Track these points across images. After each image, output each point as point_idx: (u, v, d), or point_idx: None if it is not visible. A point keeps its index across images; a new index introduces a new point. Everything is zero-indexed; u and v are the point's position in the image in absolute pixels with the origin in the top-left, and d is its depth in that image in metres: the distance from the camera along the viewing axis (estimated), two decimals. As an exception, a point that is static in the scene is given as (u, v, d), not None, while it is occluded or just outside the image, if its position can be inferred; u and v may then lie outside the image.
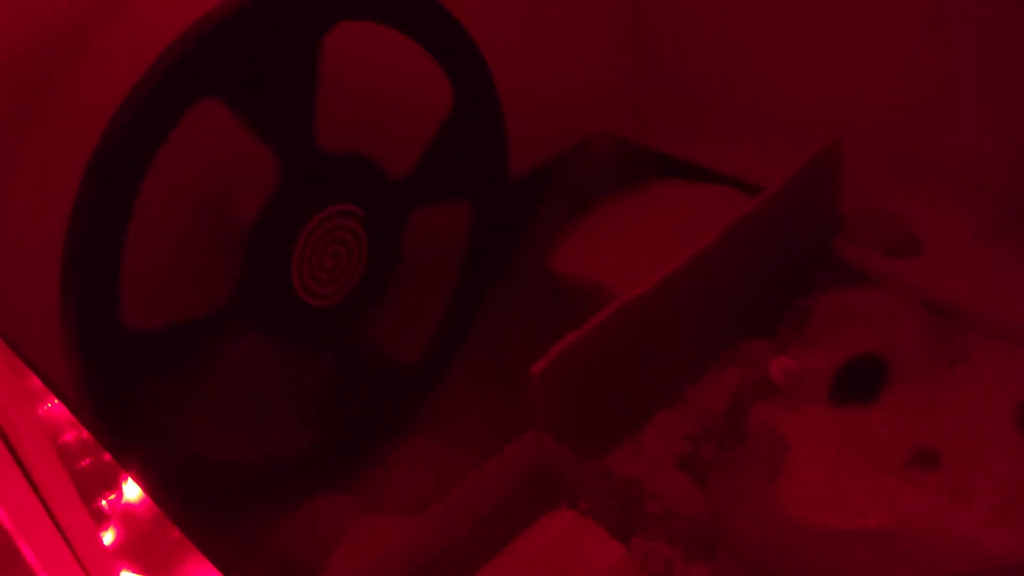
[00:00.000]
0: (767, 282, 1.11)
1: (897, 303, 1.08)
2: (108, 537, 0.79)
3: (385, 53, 1.04)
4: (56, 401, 0.72)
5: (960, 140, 1.18)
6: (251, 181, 0.95)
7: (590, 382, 0.95)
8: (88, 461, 0.75)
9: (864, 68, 1.23)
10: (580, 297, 1.18)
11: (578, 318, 0.95)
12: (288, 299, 0.98)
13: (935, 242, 1.18)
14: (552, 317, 1.18)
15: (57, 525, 0.68)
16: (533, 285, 1.23)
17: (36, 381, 0.72)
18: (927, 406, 1.00)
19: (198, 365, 1.03)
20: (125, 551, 0.78)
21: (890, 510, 0.91)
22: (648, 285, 0.98)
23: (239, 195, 0.96)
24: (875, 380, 1.02)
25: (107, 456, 0.77)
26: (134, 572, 0.78)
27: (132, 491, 0.80)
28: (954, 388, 1.02)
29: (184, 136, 0.87)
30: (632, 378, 1.00)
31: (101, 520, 0.78)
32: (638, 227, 1.26)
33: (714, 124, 1.40)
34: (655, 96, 1.47)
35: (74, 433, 0.74)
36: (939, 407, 1.00)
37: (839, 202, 1.18)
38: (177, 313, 1.03)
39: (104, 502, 0.78)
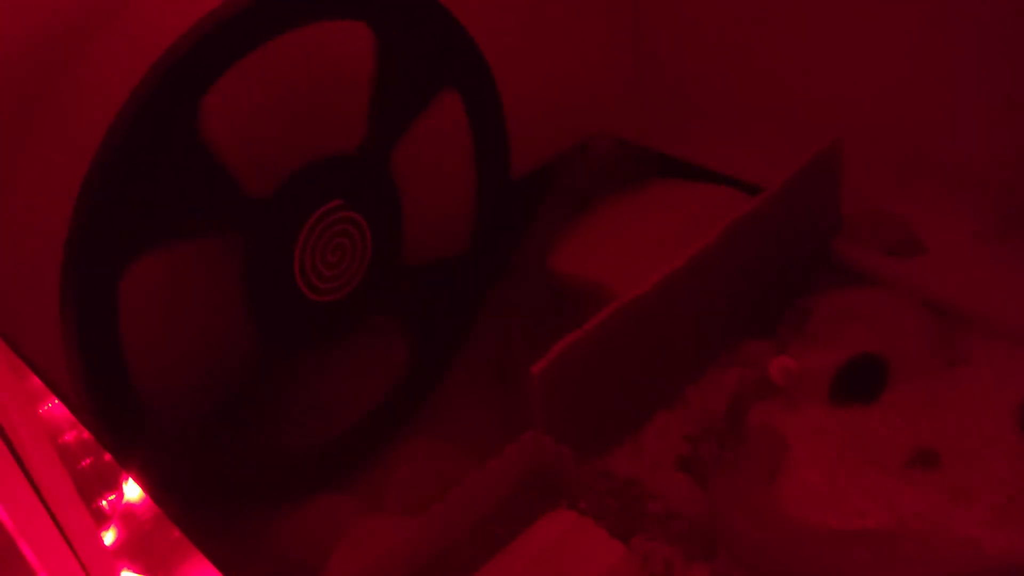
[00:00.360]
0: (767, 282, 1.11)
1: (897, 303, 1.08)
2: (109, 537, 0.79)
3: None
4: (56, 401, 0.72)
5: (961, 140, 1.18)
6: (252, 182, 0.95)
7: (590, 382, 0.95)
8: (88, 461, 0.75)
9: (865, 68, 1.23)
10: (580, 297, 1.18)
11: (578, 318, 0.95)
12: (291, 295, 0.98)
13: (935, 242, 1.18)
14: (552, 317, 1.18)
15: (58, 525, 0.68)
16: (533, 285, 1.23)
17: (36, 381, 0.72)
18: (927, 406, 1.00)
19: (200, 363, 1.03)
20: (125, 551, 0.78)
21: (890, 510, 0.91)
22: (648, 285, 0.98)
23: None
24: (875, 380, 1.02)
25: (107, 456, 0.77)
26: (135, 572, 0.78)
27: (132, 491, 0.80)
28: (954, 388, 1.02)
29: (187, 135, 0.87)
30: (632, 378, 1.00)
31: (101, 520, 0.78)
32: (638, 227, 1.26)
33: (714, 124, 1.40)
34: (655, 96, 1.47)
35: (74, 433, 0.74)
36: (939, 407, 1.00)
37: (839, 202, 1.18)
38: (179, 313, 1.04)
39: (104, 502, 0.78)
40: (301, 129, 1.04)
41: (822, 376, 1.02)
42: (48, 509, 0.68)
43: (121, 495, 0.79)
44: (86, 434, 0.73)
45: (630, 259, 1.17)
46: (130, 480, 0.79)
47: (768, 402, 1.01)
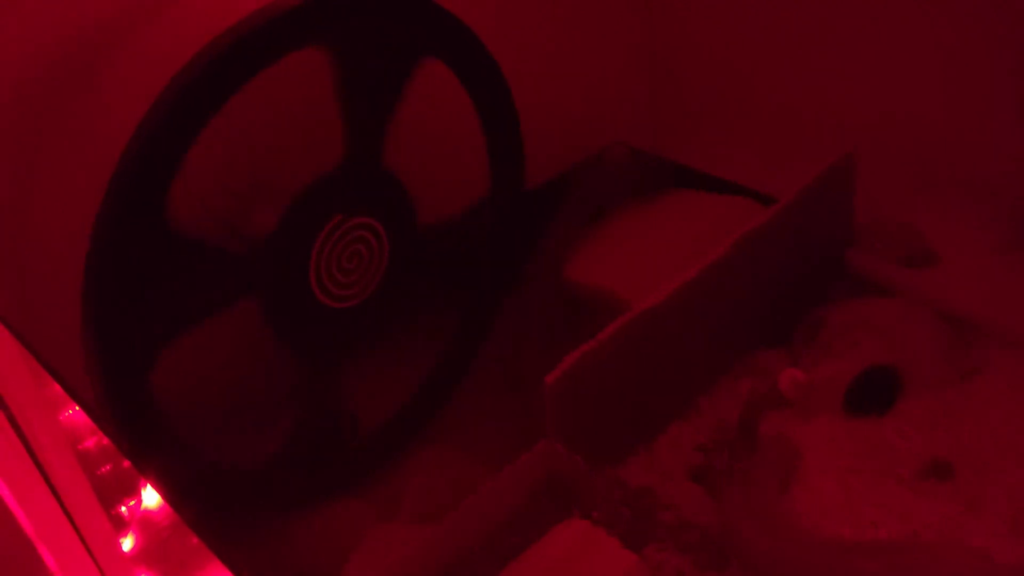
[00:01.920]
0: (781, 292, 1.12)
1: (911, 314, 1.08)
2: (127, 543, 0.80)
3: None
4: (77, 408, 0.73)
5: (975, 150, 1.18)
6: (268, 195, 0.95)
7: (603, 392, 0.96)
8: (108, 467, 0.76)
9: (879, 79, 1.23)
10: (595, 307, 1.18)
11: (593, 328, 0.95)
12: (307, 301, 0.99)
13: (949, 253, 1.17)
14: (567, 326, 1.19)
15: (77, 531, 0.69)
16: (548, 294, 1.24)
17: (57, 388, 0.73)
18: (941, 417, 1.00)
19: (218, 370, 1.04)
20: (144, 557, 0.79)
21: (903, 521, 0.91)
22: (662, 295, 0.98)
23: (256, 208, 0.97)
24: (889, 391, 1.02)
25: (126, 463, 0.78)
26: (152, 577, 0.80)
27: (151, 497, 0.81)
28: (968, 399, 1.02)
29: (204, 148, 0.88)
30: (645, 388, 1.01)
31: (120, 526, 0.79)
32: (653, 237, 1.26)
33: (729, 135, 1.40)
34: (671, 107, 1.47)
35: (95, 439, 0.75)
36: (953, 418, 1.00)
37: (853, 213, 1.18)
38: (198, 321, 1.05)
39: (124, 508, 0.80)
40: (284, 162, 1.02)
41: (836, 386, 1.02)
42: (68, 515, 0.69)
43: (140, 501, 0.80)
44: (106, 440, 0.74)
45: (645, 269, 1.17)
46: (148, 487, 0.81)
47: (781, 412, 1.01)
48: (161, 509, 0.80)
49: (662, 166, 1.36)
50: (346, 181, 1.00)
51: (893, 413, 1.01)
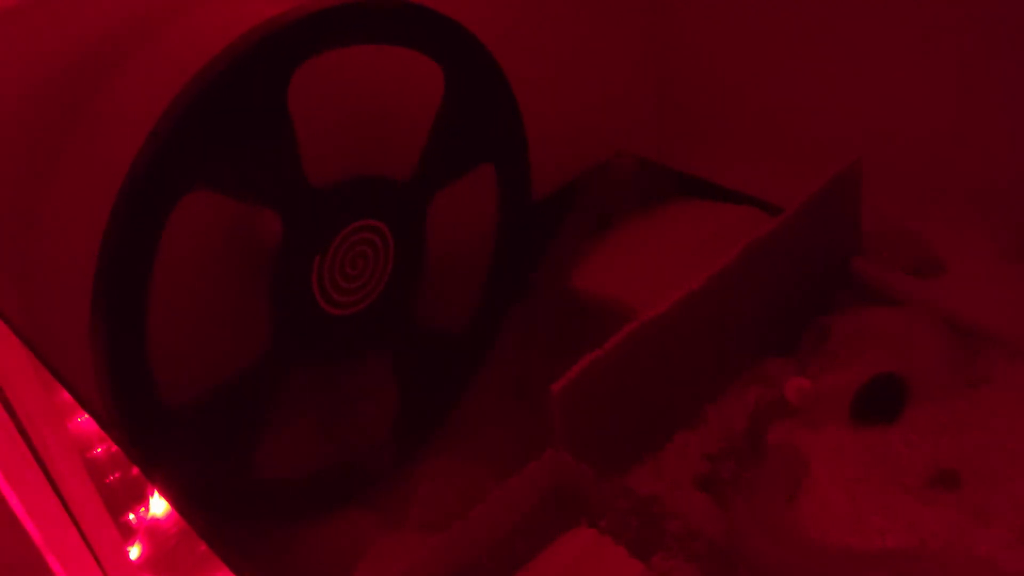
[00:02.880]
0: (787, 301, 1.12)
1: (918, 322, 1.08)
2: (135, 551, 0.80)
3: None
4: (86, 415, 0.73)
5: (983, 159, 1.18)
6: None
7: (610, 400, 0.96)
8: (117, 475, 0.76)
9: (885, 87, 1.24)
10: (601, 316, 1.19)
11: (599, 337, 0.96)
12: (309, 307, 0.99)
13: (957, 261, 1.17)
14: (573, 336, 1.19)
15: (85, 539, 0.70)
16: (554, 303, 1.24)
17: (66, 395, 0.73)
18: (948, 426, 1.00)
19: (227, 379, 1.04)
20: (151, 565, 0.79)
21: (910, 531, 0.91)
22: (668, 304, 0.98)
23: (263, 219, 0.97)
24: (896, 400, 1.02)
25: (135, 470, 0.78)
26: (160, 586, 0.80)
27: (159, 505, 0.81)
28: (976, 408, 1.02)
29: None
30: (652, 396, 1.01)
31: (128, 534, 0.80)
32: (660, 246, 1.27)
33: (736, 144, 1.41)
34: (677, 117, 1.47)
35: (103, 447, 0.75)
36: (961, 427, 1.00)
37: (860, 221, 1.18)
38: (207, 332, 1.05)
39: (132, 516, 0.80)
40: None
41: (842, 395, 1.02)
42: (76, 523, 0.69)
43: (148, 509, 0.80)
44: (114, 448, 0.74)
45: (651, 278, 1.18)
46: (156, 494, 0.81)
47: (788, 421, 1.01)
48: (169, 517, 0.80)
49: (668, 176, 1.37)
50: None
51: (900, 422, 1.01)
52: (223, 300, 1.04)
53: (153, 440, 0.90)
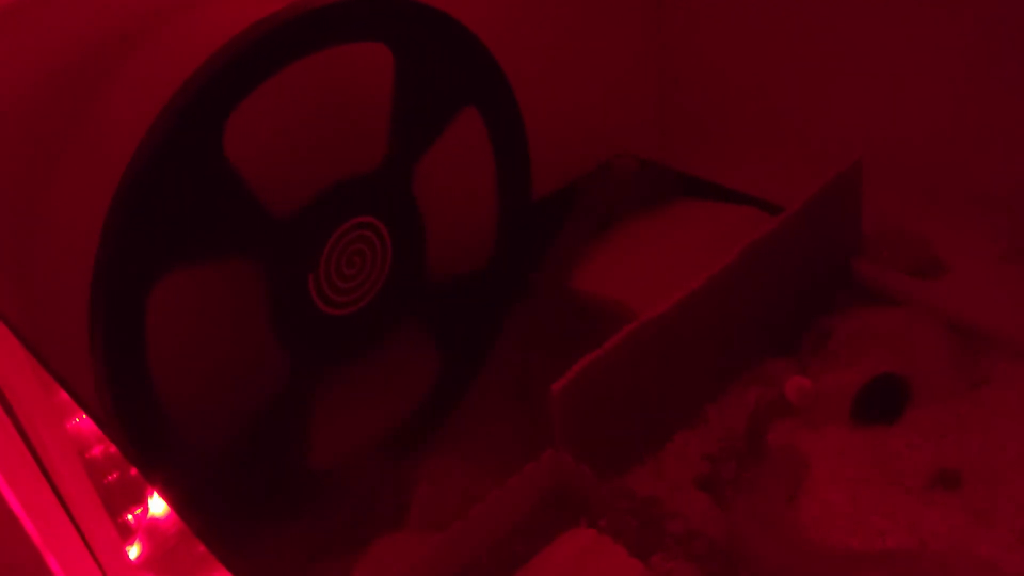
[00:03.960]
0: (788, 301, 1.12)
1: (919, 323, 1.08)
2: (134, 551, 0.80)
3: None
4: (84, 416, 0.73)
5: (984, 159, 1.18)
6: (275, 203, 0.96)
7: (610, 401, 0.96)
8: (115, 476, 0.76)
9: (887, 87, 1.23)
10: (602, 316, 1.18)
11: (599, 337, 0.95)
12: (306, 309, 0.99)
13: (958, 262, 1.17)
14: (574, 336, 1.19)
15: (84, 539, 0.69)
16: (555, 304, 1.24)
17: (65, 396, 0.73)
18: (950, 427, 1.00)
19: (225, 379, 1.04)
20: (150, 565, 0.79)
21: (911, 532, 0.91)
22: (668, 304, 0.98)
23: (245, 266, 0.97)
24: (897, 400, 1.02)
25: (133, 471, 0.78)
26: (159, 586, 0.80)
27: (158, 506, 0.81)
28: (977, 409, 1.01)
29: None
30: (652, 397, 1.01)
31: (127, 534, 0.80)
32: (660, 247, 1.26)
33: (737, 145, 1.40)
34: (678, 117, 1.47)
35: (101, 448, 0.75)
36: (962, 428, 1.00)
37: (860, 222, 1.18)
38: (204, 329, 1.05)
39: (130, 516, 0.80)
40: (322, 150, 1.05)
41: (843, 396, 1.02)
42: (74, 523, 0.69)
43: (146, 509, 0.80)
44: (113, 448, 0.74)
45: (652, 278, 1.18)
46: (155, 495, 0.81)
47: (789, 422, 1.01)
48: (168, 517, 0.80)
49: (669, 176, 1.37)
50: (379, 185, 1.02)
51: (901, 423, 1.01)
52: (224, 305, 1.04)
53: (152, 441, 0.90)
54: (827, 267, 1.16)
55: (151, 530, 0.80)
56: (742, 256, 1.03)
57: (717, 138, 1.42)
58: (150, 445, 0.91)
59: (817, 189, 1.10)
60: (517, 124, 1.14)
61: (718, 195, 1.33)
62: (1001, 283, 1.13)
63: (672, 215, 1.32)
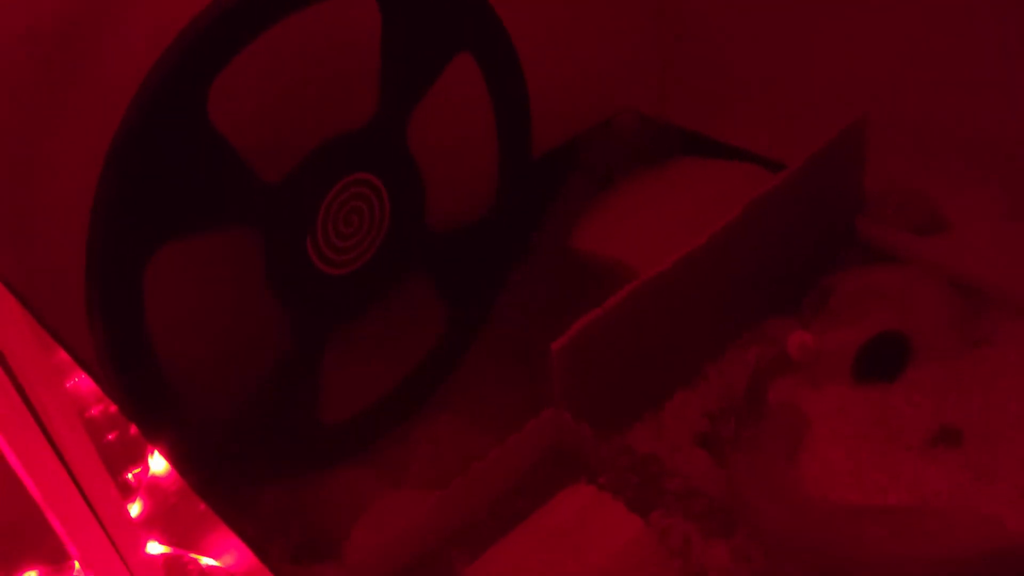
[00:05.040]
0: (790, 260, 1.11)
1: (922, 281, 1.07)
2: (135, 509, 0.81)
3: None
4: (83, 375, 0.73)
5: (987, 118, 1.17)
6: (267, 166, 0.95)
7: (610, 359, 0.96)
8: (115, 435, 0.76)
9: (891, 45, 1.22)
10: (602, 275, 1.18)
11: (600, 296, 0.95)
12: (305, 269, 0.99)
13: (961, 220, 1.17)
14: (574, 295, 1.18)
15: (85, 497, 0.70)
16: (556, 263, 1.23)
17: (64, 355, 0.73)
18: (951, 385, 1.00)
19: (225, 340, 1.04)
20: (152, 523, 0.80)
21: (912, 489, 0.91)
22: (669, 263, 0.98)
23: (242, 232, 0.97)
24: (898, 358, 1.02)
25: (133, 430, 0.78)
26: (161, 543, 0.80)
27: (158, 464, 0.81)
28: (978, 367, 1.01)
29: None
30: (652, 355, 1.00)
31: (128, 493, 0.80)
32: (662, 205, 1.26)
33: (740, 102, 1.39)
34: (681, 73, 1.46)
35: (101, 407, 0.75)
36: (963, 386, 1.00)
37: (864, 180, 1.17)
38: (204, 291, 1.05)
39: (130, 475, 0.80)
40: (312, 109, 1.04)
41: (844, 354, 1.01)
42: (76, 481, 0.70)
43: (147, 468, 0.80)
44: (112, 408, 0.74)
45: (653, 237, 1.17)
46: (156, 453, 0.81)
47: (790, 380, 1.01)
48: (168, 476, 0.81)
49: (672, 133, 1.36)
50: (371, 140, 1.01)
51: (902, 380, 1.01)
52: (223, 266, 1.04)
53: (151, 399, 0.90)
54: (830, 225, 1.15)
55: (152, 488, 0.81)
56: (744, 214, 1.03)
57: (720, 95, 1.41)
58: (153, 412, 0.91)
59: (820, 146, 1.09)
60: (514, 69, 1.12)
61: (721, 152, 1.32)
62: (1004, 241, 1.12)
63: (674, 173, 1.31)
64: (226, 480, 0.95)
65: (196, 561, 0.81)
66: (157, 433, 0.86)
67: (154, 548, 0.81)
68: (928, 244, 1.13)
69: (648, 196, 1.28)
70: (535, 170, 1.20)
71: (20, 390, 0.72)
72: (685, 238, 1.00)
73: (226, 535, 0.71)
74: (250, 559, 0.78)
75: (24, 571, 0.82)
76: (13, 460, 0.69)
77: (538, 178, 1.22)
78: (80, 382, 0.75)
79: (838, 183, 1.15)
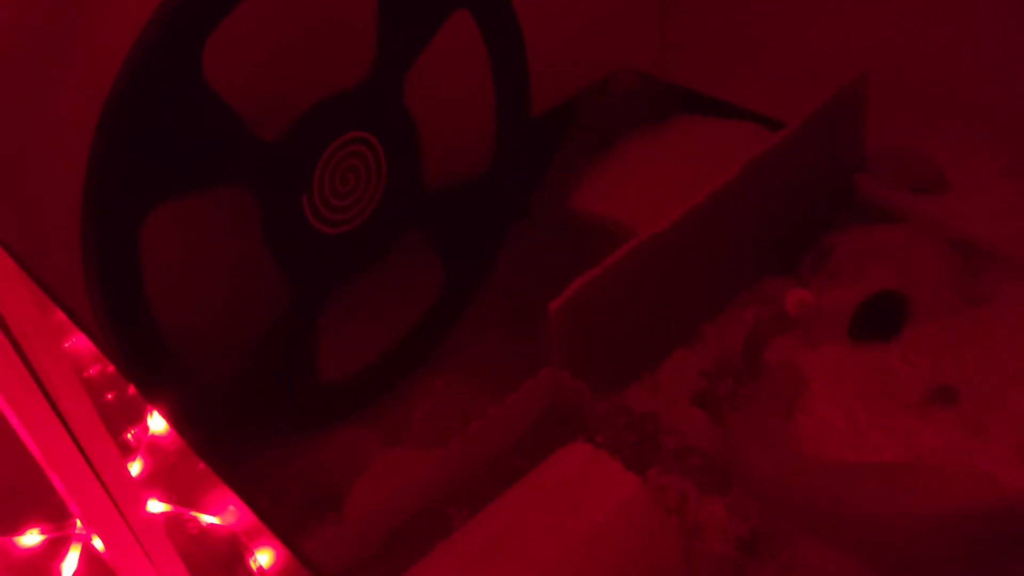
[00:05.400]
0: (789, 219, 1.11)
1: (920, 241, 1.07)
2: (135, 468, 0.81)
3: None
4: (80, 335, 0.73)
5: (988, 77, 1.16)
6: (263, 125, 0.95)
7: (608, 319, 0.96)
8: (113, 395, 0.76)
9: (893, 3, 1.21)
10: (601, 235, 1.18)
11: (598, 256, 0.95)
12: (302, 228, 0.98)
13: (960, 179, 1.16)
14: (573, 255, 1.18)
15: (85, 456, 0.70)
16: (554, 223, 1.23)
17: (61, 315, 0.73)
18: (948, 344, 1.00)
19: (223, 299, 1.04)
20: (152, 481, 0.80)
21: (908, 446, 0.91)
22: (667, 222, 0.98)
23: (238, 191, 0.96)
24: (896, 317, 1.02)
25: (131, 389, 0.78)
26: (161, 501, 0.81)
27: (157, 424, 0.82)
28: (976, 326, 1.01)
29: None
30: (650, 315, 1.01)
31: (127, 452, 0.80)
32: (661, 165, 1.25)
33: (740, 60, 1.38)
34: (680, 31, 1.45)
35: (98, 367, 0.75)
36: (960, 345, 1.00)
37: (863, 138, 1.17)
38: (202, 251, 1.05)
39: (130, 435, 0.80)
40: (308, 67, 1.03)
41: (842, 313, 1.01)
42: (75, 440, 0.70)
43: (146, 428, 0.81)
44: (110, 368, 0.75)
45: (652, 197, 1.17)
46: (155, 413, 0.81)
47: (787, 338, 1.01)
48: (168, 435, 0.81)
49: (671, 92, 1.35)
50: (368, 98, 1.00)
51: (899, 339, 1.01)
52: (220, 226, 1.04)
53: (149, 357, 0.91)
54: (829, 184, 1.15)
55: (152, 447, 0.81)
56: (742, 173, 1.02)
57: (719, 53, 1.40)
58: (151, 372, 0.91)
59: (820, 104, 1.08)
60: (512, 26, 1.11)
61: (720, 111, 1.31)
62: (1003, 200, 1.12)
63: (673, 132, 1.31)
64: (225, 440, 0.95)
65: (197, 519, 0.81)
66: (155, 393, 0.87)
67: (155, 506, 0.81)
68: (927, 203, 1.13)
69: (647, 155, 1.27)
70: (533, 129, 1.20)
71: (19, 350, 0.72)
72: (684, 197, 1.00)
73: (226, 494, 0.71)
74: (250, 518, 0.79)
75: (26, 529, 0.82)
76: (13, 420, 0.69)
77: (536, 137, 1.22)
78: (77, 342, 0.75)
79: (837, 142, 1.14)
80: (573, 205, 1.23)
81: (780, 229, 1.11)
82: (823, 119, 1.09)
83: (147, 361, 0.91)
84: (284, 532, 0.69)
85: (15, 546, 0.81)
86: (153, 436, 0.80)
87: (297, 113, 0.96)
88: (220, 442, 0.91)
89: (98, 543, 0.79)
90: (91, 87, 0.85)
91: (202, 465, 0.74)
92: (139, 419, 0.79)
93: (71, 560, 0.80)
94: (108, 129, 0.83)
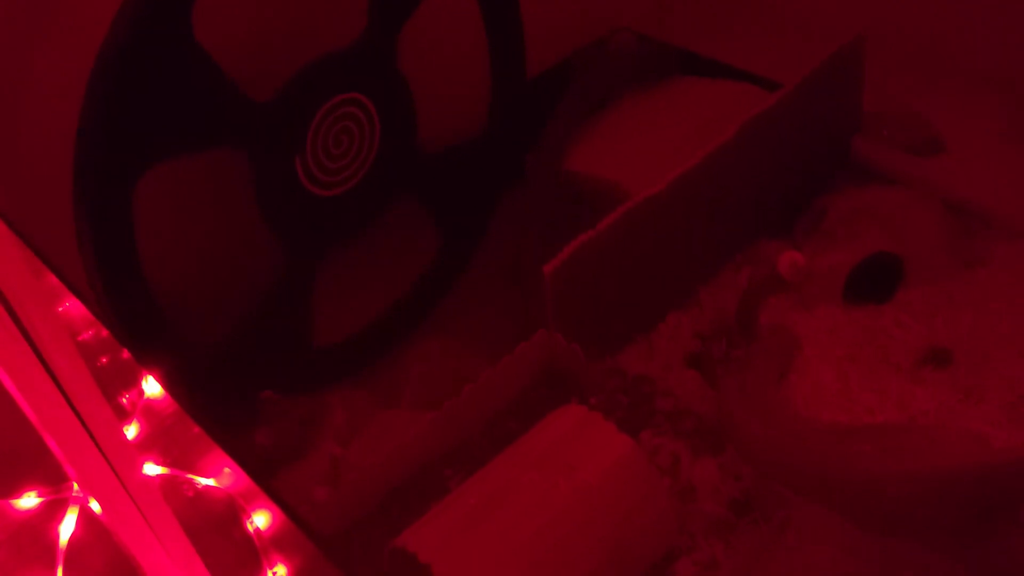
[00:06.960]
0: (785, 181, 1.10)
1: (916, 203, 1.07)
2: (131, 432, 0.82)
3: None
4: (74, 299, 0.73)
5: (985, 39, 1.16)
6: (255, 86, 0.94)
7: (603, 281, 0.96)
8: (107, 359, 0.77)
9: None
10: (596, 197, 1.17)
11: (593, 218, 0.95)
12: (296, 191, 0.98)
13: (957, 142, 1.16)
14: (568, 217, 1.18)
15: (82, 420, 0.70)
16: (550, 186, 1.22)
17: (54, 279, 0.73)
18: (942, 306, 1.00)
19: (218, 263, 1.04)
20: (148, 445, 0.81)
21: (901, 408, 0.92)
22: (662, 184, 0.97)
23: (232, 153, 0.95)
24: (890, 279, 1.02)
25: (125, 354, 0.79)
26: (157, 464, 0.81)
27: (152, 387, 0.82)
28: (970, 288, 1.01)
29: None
30: (645, 278, 1.01)
31: (123, 416, 0.81)
32: (657, 126, 1.24)
33: (738, 20, 1.37)
34: (677, -9, 1.43)
35: (92, 331, 0.75)
36: (954, 307, 1.00)
37: (861, 100, 1.16)
38: (196, 215, 1.05)
39: (124, 399, 0.81)
40: (300, 27, 1.02)
41: (836, 275, 1.01)
42: (71, 404, 0.70)
43: (141, 392, 0.81)
44: (104, 332, 0.75)
45: (647, 158, 1.16)
46: (150, 378, 0.81)
47: (781, 301, 1.01)
48: (163, 398, 0.81)
49: (668, 52, 1.33)
50: (360, 58, 0.99)
51: (893, 302, 1.01)
52: (214, 189, 1.03)
53: (141, 321, 0.91)
54: (825, 146, 1.14)
55: (147, 411, 0.81)
56: (738, 134, 1.02)
57: (716, 13, 1.39)
58: (144, 336, 0.91)
59: (817, 65, 1.08)
60: None
61: (717, 71, 1.30)
62: (1000, 163, 1.12)
63: (669, 92, 1.30)
64: (220, 403, 0.96)
65: (193, 481, 0.82)
66: (149, 357, 0.87)
67: (151, 469, 0.82)
68: (924, 165, 1.13)
69: (642, 117, 1.26)
70: (528, 90, 1.19)
71: (13, 315, 0.72)
72: (679, 159, 0.99)
73: (221, 457, 0.71)
74: (245, 480, 0.79)
75: (24, 492, 0.83)
76: (9, 384, 0.69)
77: (531, 98, 1.21)
78: (71, 307, 0.75)
79: (834, 103, 1.13)
80: (568, 167, 1.23)
81: (776, 191, 1.10)
82: (820, 80, 1.08)
83: (141, 325, 0.91)
84: (279, 494, 0.69)
85: (13, 508, 0.82)
86: (148, 400, 0.80)
87: (289, 74, 0.95)
88: (214, 406, 0.92)
89: (95, 505, 0.80)
90: (81, 49, 0.84)
91: (197, 428, 0.74)
92: (134, 383, 0.79)
93: (68, 522, 0.80)
94: (98, 91, 0.82)
